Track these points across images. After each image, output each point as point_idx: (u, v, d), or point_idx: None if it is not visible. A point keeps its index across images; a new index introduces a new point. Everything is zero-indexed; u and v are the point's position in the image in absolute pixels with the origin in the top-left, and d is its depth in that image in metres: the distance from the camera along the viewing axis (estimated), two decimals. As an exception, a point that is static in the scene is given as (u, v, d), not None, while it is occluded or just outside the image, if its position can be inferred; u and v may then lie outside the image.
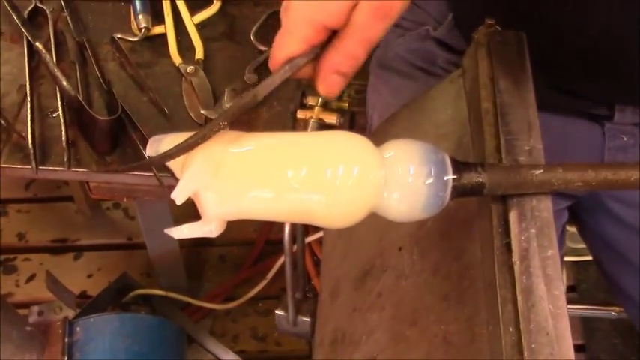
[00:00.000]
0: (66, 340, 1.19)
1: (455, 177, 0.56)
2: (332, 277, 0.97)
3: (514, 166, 0.60)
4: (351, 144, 0.57)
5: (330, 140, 0.57)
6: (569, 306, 1.51)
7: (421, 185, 0.55)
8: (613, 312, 1.46)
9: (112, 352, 1.21)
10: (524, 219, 0.59)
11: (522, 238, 0.59)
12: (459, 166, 0.57)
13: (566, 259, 1.69)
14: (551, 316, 0.55)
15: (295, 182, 0.55)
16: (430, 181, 0.55)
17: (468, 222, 0.68)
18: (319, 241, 1.52)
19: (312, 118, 1.04)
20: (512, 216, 0.59)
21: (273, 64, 0.54)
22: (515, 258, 0.58)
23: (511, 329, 0.55)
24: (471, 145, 0.71)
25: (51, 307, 1.25)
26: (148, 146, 0.57)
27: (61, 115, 1.05)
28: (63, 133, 1.04)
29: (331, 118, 1.04)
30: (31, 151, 1.01)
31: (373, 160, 0.56)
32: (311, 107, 1.06)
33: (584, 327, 1.62)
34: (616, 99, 0.89)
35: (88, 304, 1.37)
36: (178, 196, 0.53)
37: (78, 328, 1.22)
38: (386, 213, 0.57)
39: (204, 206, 0.55)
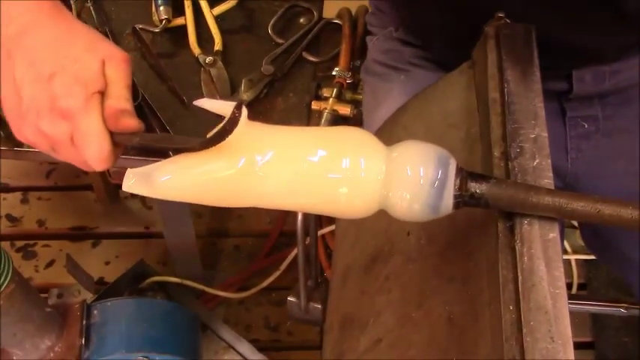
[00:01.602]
0: (84, 322, 1.22)
1: (459, 188, 0.59)
2: (342, 264, 0.99)
3: (523, 186, 0.61)
4: (355, 138, 0.60)
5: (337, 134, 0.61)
6: (577, 302, 1.52)
7: (428, 188, 0.58)
8: (622, 309, 1.46)
9: (128, 335, 1.24)
10: (527, 203, 0.62)
11: (525, 221, 0.61)
12: (467, 177, 0.59)
13: (577, 257, 1.71)
14: (551, 295, 0.57)
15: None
16: (436, 184, 0.58)
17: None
18: (333, 233, 1.54)
19: (326, 109, 1.06)
20: (516, 200, 0.62)
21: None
22: (518, 240, 0.60)
23: (511, 308, 0.58)
24: (479, 135, 0.73)
25: (70, 290, 1.28)
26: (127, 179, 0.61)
27: (82, 102, 1.08)
28: (84, 119, 1.07)
29: (345, 110, 1.07)
30: (54, 137, 1.04)
31: (376, 154, 0.59)
32: (326, 99, 1.09)
33: (593, 325, 1.63)
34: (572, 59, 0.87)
35: (105, 289, 1.40)
36: None
37: (95, 312, 1.24)
38: (391, 210, 0.60)
39: None
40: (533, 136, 0.67)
